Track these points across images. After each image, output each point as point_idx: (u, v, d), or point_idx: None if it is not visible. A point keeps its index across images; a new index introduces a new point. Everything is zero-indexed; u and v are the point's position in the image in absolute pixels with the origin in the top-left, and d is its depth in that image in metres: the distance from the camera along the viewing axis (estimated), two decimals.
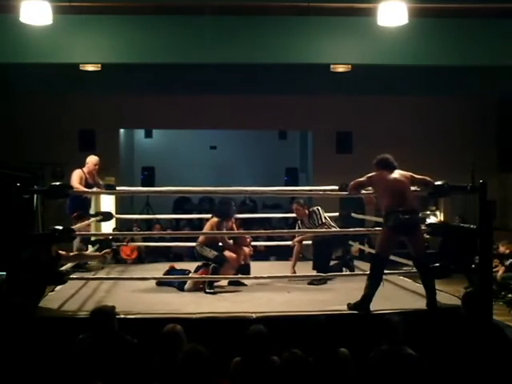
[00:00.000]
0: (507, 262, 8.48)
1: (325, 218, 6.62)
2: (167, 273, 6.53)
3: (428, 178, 5.31)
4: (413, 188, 5.22)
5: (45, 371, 4.01)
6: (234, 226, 6.62)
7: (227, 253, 6.06)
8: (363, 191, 5.50)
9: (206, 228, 6.28)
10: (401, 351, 3.93)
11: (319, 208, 6.72)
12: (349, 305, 4.88)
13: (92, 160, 7.33)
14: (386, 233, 4.99)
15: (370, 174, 5.23)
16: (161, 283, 6.11)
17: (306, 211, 6.70)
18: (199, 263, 6.31)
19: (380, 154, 5.30)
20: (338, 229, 6.73)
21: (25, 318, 4.47)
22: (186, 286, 5.88)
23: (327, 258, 6.51)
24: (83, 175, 7.08)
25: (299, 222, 6.85)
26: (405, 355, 3.91)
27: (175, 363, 3.62)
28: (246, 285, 6.13)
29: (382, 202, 5.07)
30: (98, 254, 6.40)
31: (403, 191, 5.00)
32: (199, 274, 6.14)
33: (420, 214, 5.41)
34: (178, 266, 6.89)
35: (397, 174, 5.12)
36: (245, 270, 6.28)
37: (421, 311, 4.91)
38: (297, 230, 6.94)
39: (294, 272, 6.62)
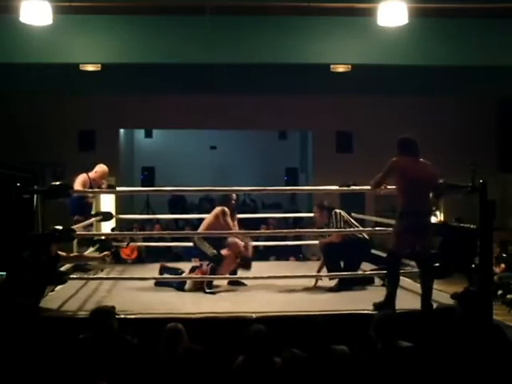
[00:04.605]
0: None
1: (345, 222, 6.11)
2: (160, 272, 6.54)
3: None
4: None
5: (45, 371, 4.01)
6: (236, 224, 6.48)
7: (227, 246, 6.06)
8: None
9: (209, 218, 6.25)
10: (396, 350, 3.93)
11: (340, 212, 6.17)
12: (374, 304, 4.85)
13: (101, 171, 7.18)
14: (398, 231, 4.92)
15: (390, 162, 4.91)
16: (159, 283, 6.11)
17: (325, 215, 6.17)
18: (194, 262, 6.29)
19: (402, 135, 5.05)
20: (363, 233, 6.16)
21: (29, 317, 4.48)
22: (186, 287, 5.88)
23: (338, 264, 6.02)
24: (88, 181, 6.93)
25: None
26: (400, 355, 3.92)
27: (174, 361, 3.64)
28: (245, 285, 6.13)
29: (399, 195, 4.89)
30: (97, 255, 6.39)
31: (424, 191, 4.86)
32: (196, 273, 6.14)
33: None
34: (177, 266, 6.89)
35: (423, 166, 4.88)
36: (246, 264, 6.18)
37: (420, 311, 4.91)
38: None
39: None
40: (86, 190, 6.74)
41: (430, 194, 5.04)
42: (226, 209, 6.15)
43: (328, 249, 6.17)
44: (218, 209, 6.20)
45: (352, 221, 6.25)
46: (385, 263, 5.14)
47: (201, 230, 6.25)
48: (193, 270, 6.29)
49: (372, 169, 5.31)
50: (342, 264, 6.04)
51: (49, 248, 5.05)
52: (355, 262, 6.07)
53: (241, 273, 6.26)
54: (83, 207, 6.96)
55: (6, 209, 5.00)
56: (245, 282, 6.15)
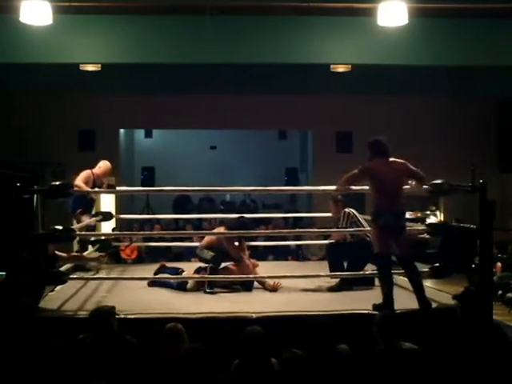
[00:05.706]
0: None
1: (352, 222, 6.10)
2: (158, 271, 6.53)
3: (422, 173, 5.16)
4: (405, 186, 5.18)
5: (45, 371, 4.01)
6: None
7: (231, 266, 6.08)
8: (354, 187, 5.39)
9: (213, 239, 6.22)
10: (397, 350, 3.93)
11: (351, 211, 6.20)
12: (374, 305, 4.86)
13: (104, 166, 7.12)
14: (376, 232, 5.01)
15: (363, 167, 5.10)
16: (153, 284, 6.07)
17: (340, 209, 6.23)
18: (194, 262, 6.28)
19: (374, 137, 5.20)
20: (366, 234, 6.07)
21: (29, 317, 4.48)
22: (188, 286, 5.87)
23: (342, 264, 6.05)
24: (91, 177, 6.89)
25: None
26: (400, 355, 3.92)
27: (176, 361, 3.63)
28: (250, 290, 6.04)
29: (372, 197, 5.04)
30: (93, 256, 6.39)
31: (396, 191, 4.95)
32: (202, 274, 6.12)
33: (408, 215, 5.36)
34: (177, 265, 6.88)
35: (392, 166, 5.01)
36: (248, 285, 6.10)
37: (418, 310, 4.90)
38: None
39: None
40: (86, 189, 6.72)
41: (404, 190, 5.08)
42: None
43: (331, 248, 6.19)
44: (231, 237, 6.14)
45: (361, 222, 6.20)
46: (376, 267, 5.16)
47: (201, 244, 6.24)
48: (197, 271, 6.27)
49: None
50: (345, 264, 6.05)
51: (45, 248, 5.06)
52: (359, 263, 6.05)
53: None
54: (86, 203, 6.94)
55: (6, 209, 5.00)
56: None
